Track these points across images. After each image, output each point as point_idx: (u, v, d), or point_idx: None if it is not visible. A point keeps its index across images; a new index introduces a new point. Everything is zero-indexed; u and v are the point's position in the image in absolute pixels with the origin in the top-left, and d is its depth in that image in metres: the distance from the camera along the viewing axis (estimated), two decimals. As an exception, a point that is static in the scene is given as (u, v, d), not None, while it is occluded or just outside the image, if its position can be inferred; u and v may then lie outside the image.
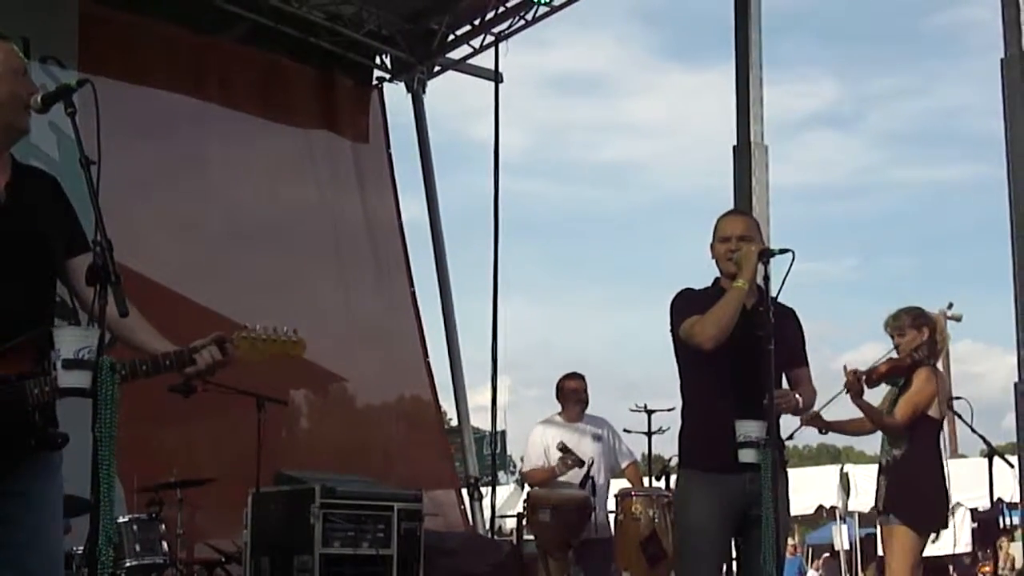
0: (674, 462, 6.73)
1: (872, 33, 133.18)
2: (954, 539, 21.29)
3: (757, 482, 5.63)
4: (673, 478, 7.92)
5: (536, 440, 9.54)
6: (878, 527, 7.52)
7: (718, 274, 6.06)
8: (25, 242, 3.97)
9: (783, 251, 5.65)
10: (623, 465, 9.83)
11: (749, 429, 5.56)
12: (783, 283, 5.63)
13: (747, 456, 5.55)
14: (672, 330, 5.98)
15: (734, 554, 5.96)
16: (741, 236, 6.01)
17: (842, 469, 21.87)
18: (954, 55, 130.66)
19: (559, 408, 9.71)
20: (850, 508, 21.88)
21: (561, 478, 9.18)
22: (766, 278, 5.69)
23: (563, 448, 9.14)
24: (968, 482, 20.32)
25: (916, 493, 7.32)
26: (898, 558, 7.23)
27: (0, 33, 4.10)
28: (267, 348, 4.16)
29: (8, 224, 3.96)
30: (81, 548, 7.22)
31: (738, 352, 5.81)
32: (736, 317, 5.70)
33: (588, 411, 9.72)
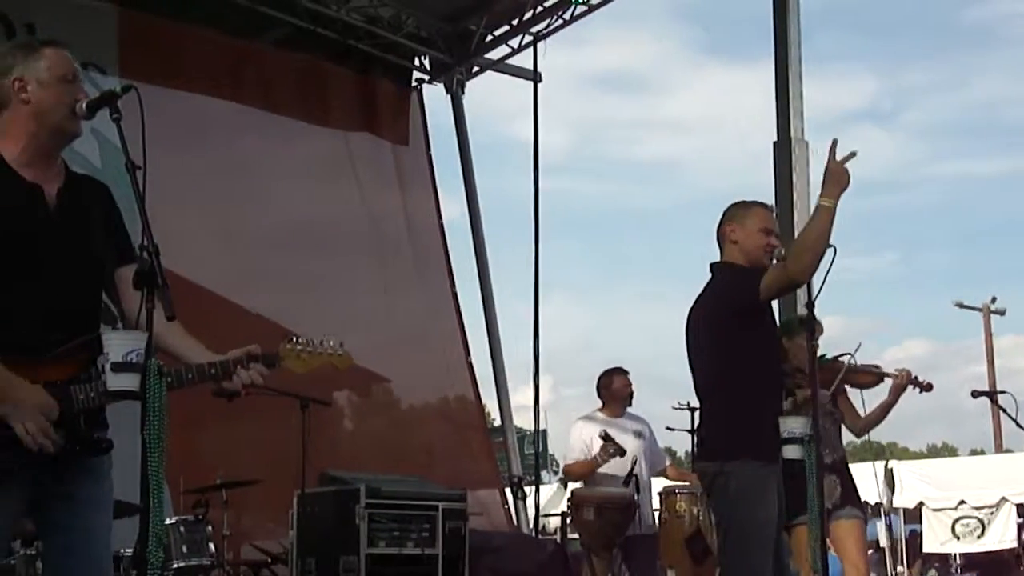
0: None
1: (910, 27, 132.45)
2: (1001, 534, 21.21)
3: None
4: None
5: (577, 435, 9.55)
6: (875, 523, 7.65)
7: (737, 260, 5.99)
8: (75, 248, 4.01)
9: (825, 246, 5.63)
10: (660, 467, 9.85)
11: (793, 425, 5.54)
12: (825, 278, 5.59)
13: (791, 452, 5.53)
14: (736, 304, 5.82)
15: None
16: (778, 235, 6.04)
17: (887, 465, 21.76)
18: (992, 47, 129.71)
19: (599, 405, 9.72)
20: (895, 504, 21.79)
21: (605, 471, 9.18)
22: (808, 274, 5.67)
23: (605, 436, 9.13)
24: (1015, 477, 20.23)
25: (857, 490, 7.68)
26: (861, 547, 7.55)
27: (52, 39, 4.14)
28: (312, 360, 4.17)
29: (59, 229, 4.00)
30: (129, 550, 7.30)
31: (778, 348, 5.86)
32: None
33: (631, 409, 9.74)
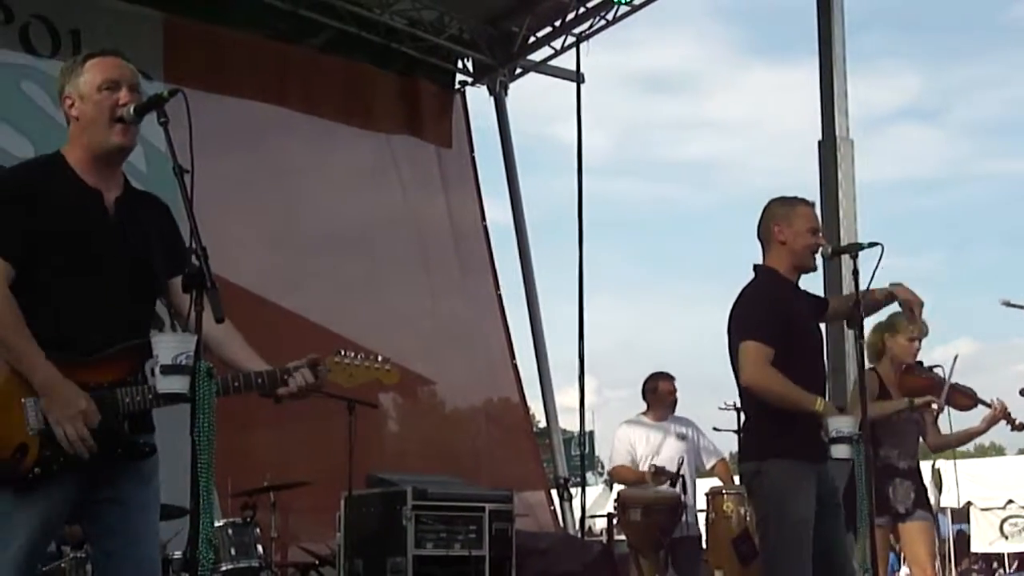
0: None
1: (953, 24, 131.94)
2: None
3: (837, 471, 5.65)
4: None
5: (622, 438, 9.54)
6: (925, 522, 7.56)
7: (776, 262, 5.94)
8: (128, 253, 4.06)
9: (872, 245, 5.61)
10: (709, 464, 9.80)
11: (841, 424, 5.50)
12: (872, 277, 5.58)
13: (840, 452, 5.48)
14: (731, 334, 5.86)
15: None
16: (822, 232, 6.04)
17: (934, 465, 21.61)
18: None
19: (644, 408, 9.71)
20: (942, 504, 21.67)
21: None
22: (855, 272, 5.64)
23: (655, 471, 9.12)
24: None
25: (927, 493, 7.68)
26: (929, 549, 7.52)
27: (100, 49, 4.18)
28: (360, 375, 4.19)
29: (114, 233, 4.06)
30: (177, 553, 7.34)
31: (817, 349, 5.84)
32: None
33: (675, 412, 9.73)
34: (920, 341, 7.63)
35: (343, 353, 4.14)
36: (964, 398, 7.58)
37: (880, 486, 7.20)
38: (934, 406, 7.34)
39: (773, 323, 5.74)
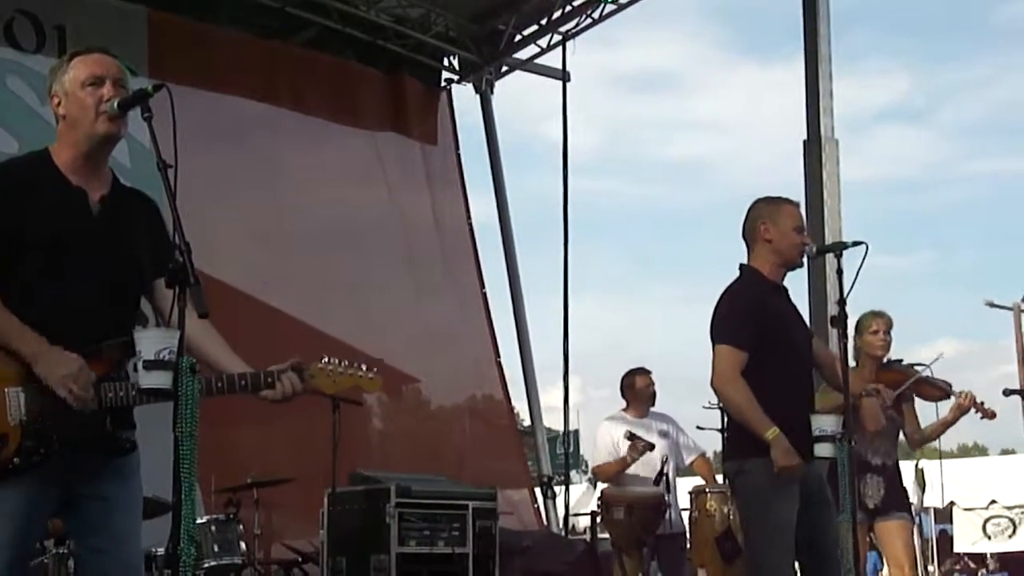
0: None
1: (942, 24, 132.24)
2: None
3: (822, 469, 5.68)
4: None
5: (604, 435, 9.52)
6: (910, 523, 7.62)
7: (761, 261, 5.96)
8: (113, 250, 4.07)
9: (856, 244, 5.62)
10: (688, 460, 9.79)
11: (824, 423, 5.52)
12: (856, 276, 5.59)
13: (823, 451, 5.51)
14: (713, 334, 5.88)
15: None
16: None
17: (917, 464, 21.68)
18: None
19: (624, 406, 9.70)
20: (925, 504, 21.71)
21: (633, 471, 9.16)
22: (839, 271, 5.65)
23: (631, 436, 9.12)
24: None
25: (907, 493, 7.85)
26: (907, 548, 7.61)
27: (86, 48, 4.19)
28: (343, 382, 4.19)
29: (97, 234, 4.06)
30: (160, 549, 7.33)
31: (799, 348, 5.84)
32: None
33: (654, 408, 9.71)
34: (886, 333, 7.65)
35: (327, 360, 4.14)
36: (933, 389, 7.62)
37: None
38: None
39: (749, 325, 5.78)
